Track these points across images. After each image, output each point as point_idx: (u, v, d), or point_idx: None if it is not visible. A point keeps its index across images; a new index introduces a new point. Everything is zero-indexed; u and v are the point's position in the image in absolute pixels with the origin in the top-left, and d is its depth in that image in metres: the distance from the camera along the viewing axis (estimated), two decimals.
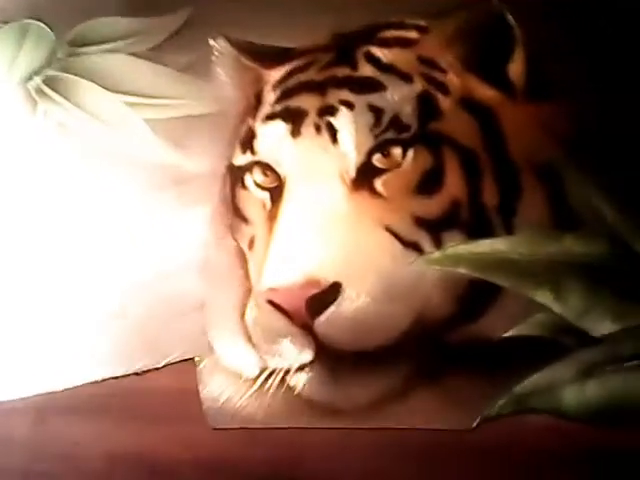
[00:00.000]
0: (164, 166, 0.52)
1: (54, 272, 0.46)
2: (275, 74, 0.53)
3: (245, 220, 0.49)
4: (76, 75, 0.57)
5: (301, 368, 0.42)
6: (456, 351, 0.41)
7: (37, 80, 0.56)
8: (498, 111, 0.49)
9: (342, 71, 0.50)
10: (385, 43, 0.52)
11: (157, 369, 0.41)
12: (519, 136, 0.48)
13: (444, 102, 0.49)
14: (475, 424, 0.37)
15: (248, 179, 0.49)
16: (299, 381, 0.42)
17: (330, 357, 0.41)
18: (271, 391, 0.42)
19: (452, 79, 0.50)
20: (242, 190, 0.49)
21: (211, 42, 0.54)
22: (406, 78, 0.50)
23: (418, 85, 0.49)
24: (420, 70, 0.50)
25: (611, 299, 0.38)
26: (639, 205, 0.41)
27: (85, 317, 0.43)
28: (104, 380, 0.41)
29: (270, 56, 0.54)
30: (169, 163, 0.52)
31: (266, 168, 0.48)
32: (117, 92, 0.56)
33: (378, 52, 0.52)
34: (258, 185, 0.49)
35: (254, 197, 0.48)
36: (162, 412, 0.41)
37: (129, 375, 0.40)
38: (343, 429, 0.38)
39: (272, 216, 0.46)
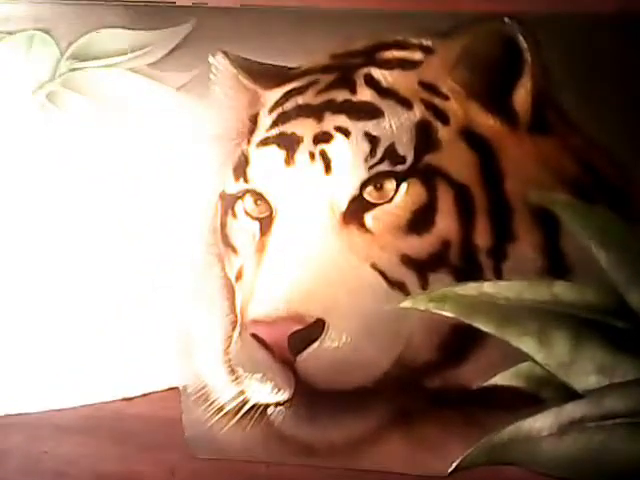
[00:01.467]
0: (158, 190, 0.55)
1: (52, 291, 0.50)
2: (273, 96, 0.55)
3: (234, 250, 0.52)
4: (75, 91, 0.61)
5: (280, 404, 0.45)
6: (435, 396, 0.44)
7: (41, 95, 0.60)
8: (498, 144, 0.50)
9: (341, 95, 0.52)
10: (387, 64, 0.53)
11: (144, 395, 0.45)
12: (517, 173, 0.49)
13: (443, 132, 0.50)
14: (449, 472, 0.40)
15: (239, 207, 0.52)
16: (278, 416, 0.46)
17: (309, 395, 0.45)
18: (251, 424, 0.46)
19: (453, 107, 0.51)
20: (232, 219, 0.52)
21: (210, 59, 0.56)
22: (405, 104, 0.51)
23: (417, 112, 0.51)
24: (420, 96, 0.52)
25: (598, 352, 0.39)
26: (636, 255, 0.42)
27: (78, 342, 0.48)
28: (95, 404, 0.45)
29: (269, 76, 0.56)
30: (163, 187, 0.55)
31: (258, 197, 0.51)
32: (114, 110, 0.59)
33: (379, 74, 0.53)
34: (248, 214, 0.51)
35: (244, 227, 0.51)
36: (147, 437, 0.46)
37: (118, 400, 0.44)
38: (318, 467, 0.42)
39: (261, 247, 0.49)
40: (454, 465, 0.39)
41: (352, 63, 0.54)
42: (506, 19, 0.52)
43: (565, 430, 0.38)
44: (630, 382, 0.38)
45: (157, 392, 0.47)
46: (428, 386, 0.44)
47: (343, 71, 0.53)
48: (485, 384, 0.40)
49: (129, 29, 0.62)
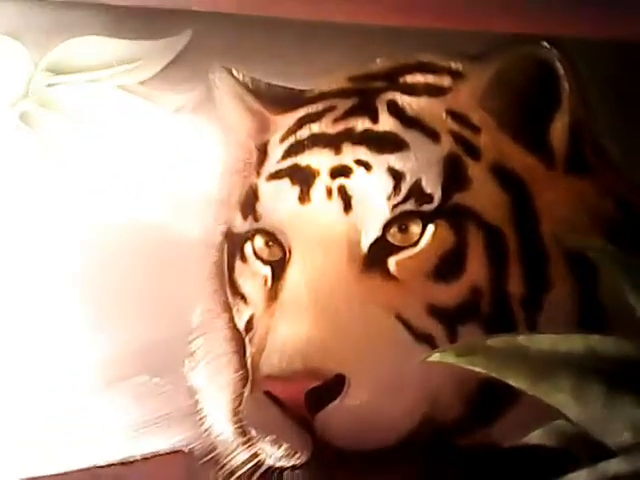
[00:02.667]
0: (151, 229, 0.68)
1: (39, 344, 0.63)
2: (284, 122, 0.69)
3: (243, 298, 0.65)
4: (55, 110, 0.74)
5: (297, 467, 0.59)
6: (464, 456, 0.58)
7: (14, 115, 0.73)
8: (532, 183, 0.65)
9: (360, 123, 0.67)
10: (412, 90, 0.68)
11: (145, 459, 0.58)
12: (552, 215, 0.64)
13: (473, 169, 0.65)
14: None
15: (248, 249, 0.66)
16: None
17: (328, 457, 0.59)
18: None
19: (484, 141, 0.66)
20: (241, 263, 0.66)
21: (211, 77, 0.70)
22: (433, 136, 0.66)
23: (446, 146, 0.65)
24: (449, 127, 0.66)
25: (631, 408, 0.53)
26: None
27: (70, 403, 0.61)
28: (90, 468, 0.58)
29: (279, 99, 0.70)
30: (156, 227, 0.68)
31: (269, 238, 0.64)
32: (98, 134, 0.72)
33: (403, 101, 0.68)
34: (259, 257, 0.65)
35: (254, 271, 0.65)
36: None
37: (116, 464, 0.57)
38: None
39: (273, 295, 0.63)
40: None
41: (373, 87, 0.68)
42: (543, 42, 0.67)
43: None
44: None
45: (160, 455, 0.60)
46: (456, 445, 0.59)
47: (363, 96, 0.68)
48: (517, 443, 0.54)
49: (115, 38, 0.76)
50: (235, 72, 0.70)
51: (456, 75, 0.69)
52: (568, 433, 0.55)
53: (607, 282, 0.60)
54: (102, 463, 0.59)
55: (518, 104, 0.66)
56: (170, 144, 0.71)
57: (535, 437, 0.55)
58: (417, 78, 0.69)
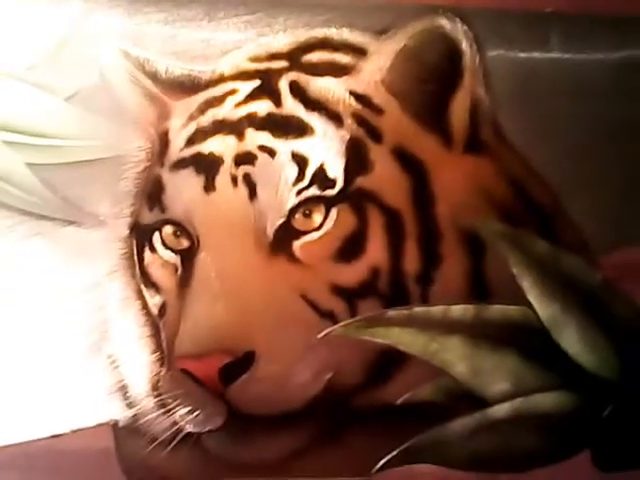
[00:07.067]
0: (52, 224, 1.72)
1: None
2: (184, 107, 1.82)
3: (154, 286, 1.90)
4: None
5: (213, 431, 1.71)
6: (361, 413, 1.73)
7: None
8: (431, 166, 1.87)
9: (263, 106, 1.80)
10: (315, 70, 1.89)
11: (74, 432, 1.62)
12: (449, 196, 1.81)
13: (375, 152, 1.85)
14: (372, 472, 1.59)
15: (156, 239, 1.90)
16: (212, 442, 1.82)
17: (241, 421, 1.80)
18: (186, 452, 1.72)
19: (387, 123, 1.80)
20: (150, 253, 1.91)
21: (105, 60, 1.75)
22: (336, 119, 1.86)
23: (348, 129, 1.85)
24: (351, 109, 1.88)
25: (513, 362, 1.60)
26: (553, 278, 1.62)
27: None
28: (19, 444, 1.62)
29: (178, 83, 1.89)
30: (59, 221, 1.71)
31: (177, 228, 1.88)
32: None
33: (306, 82, 1.80)
34: (168, 247, 1.88)
35: (164, 260, 1.89)
36: (82, 473, 1.64)
37: (44, 439, 1.61)
38: None
39: (184, 282, 1.86)
40: (377, 467, 1.57)
41: (274, 68, 1.86)
42: (448, 14, 1.75)
43: (475, 432, 1.58)
44: (535, 389, 1.59)
45: (88, 428, 1.63)
46: (355, 405, 1.81)
47: (265, 78, 1.84)
48: (405, 399, 1.58)
49: None
50: (132, 55, 1.74)
51: (359, 52, 1.83)
52: (452, 389, 1.61)
53: (493, 257, 1.65)
54: (32, 438, 1.61)
55: (421, 82, 1.76)
56: (66, 133, 1.74)
57: (422, 394, 1.61)
58: (320, 56, 1.79)
